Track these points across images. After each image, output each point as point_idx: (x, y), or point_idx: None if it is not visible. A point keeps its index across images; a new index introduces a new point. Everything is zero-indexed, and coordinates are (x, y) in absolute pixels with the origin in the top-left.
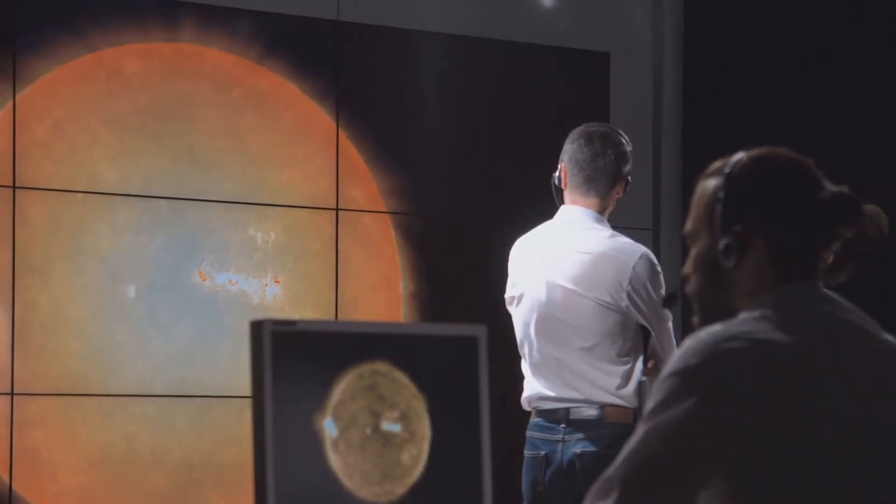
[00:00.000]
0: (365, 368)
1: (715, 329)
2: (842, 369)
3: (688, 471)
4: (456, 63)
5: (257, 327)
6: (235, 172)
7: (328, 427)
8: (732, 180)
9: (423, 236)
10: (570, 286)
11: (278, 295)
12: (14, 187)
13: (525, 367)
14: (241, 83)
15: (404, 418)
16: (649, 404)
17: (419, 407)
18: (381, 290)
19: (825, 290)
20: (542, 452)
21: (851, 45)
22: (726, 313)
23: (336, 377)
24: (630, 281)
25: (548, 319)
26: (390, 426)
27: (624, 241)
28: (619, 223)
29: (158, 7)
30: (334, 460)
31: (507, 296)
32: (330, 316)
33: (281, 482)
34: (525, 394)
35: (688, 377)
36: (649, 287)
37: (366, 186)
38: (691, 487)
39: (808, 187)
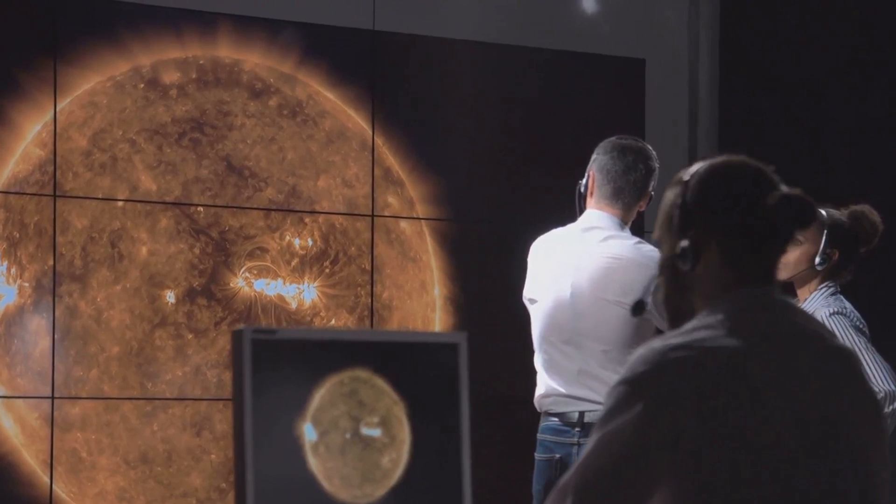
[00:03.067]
0: (345, 375)
1: (666, 338)
2: (790, 375)
3: (637, 477)
4: (491, 70)
5: (238, 336)
6: (273, 180)
7: (308, 432)
8: (689, 188)
9: (458, 242)
10: (595, 290)
11: (315, 300)
12: (55, 196)
13: (539, 364)
14: (278, 92)
15: (384, 423)
16: (601, 412)
17: (399, 412)
18: (415, 295)
19: (781, 295)
20: (557, 456)
21: (889, 49)
22: (690, 315)
23: (316, 383)
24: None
25: (569, 321)
26: (370, 431)
27: (650, 247)
28: (653, 229)
29: (196, 18)
30: (314, 464)
31: (525, 293)
32: (367, 320)
33: (261, 485)
34: (539, 391)
35: (636, 385)
36: None
37: (401, 193)
38: (641, 493)
39: (757, 192)
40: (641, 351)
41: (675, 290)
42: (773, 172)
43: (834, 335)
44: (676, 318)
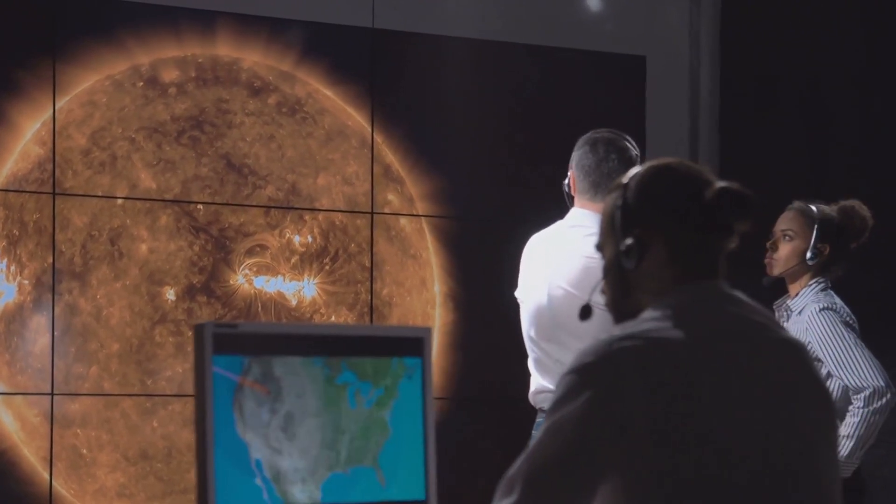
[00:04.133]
0: None
1: (614, 331)
2: (736, 365)
3: (584, 465)
4: (491, 68)
5: (199, 329)
6: (272, 177)
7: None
8: (629, 189)
9: (458, 239)
10: (572, 290)
11: (315, 297)
12: (54, 193)
13: (530, 362)
14: (278, 90)
15: (350, 416)
16: (550, 401)
17: (365, 405)
18: (415, 292)
19: (728, 289)
20: None
21: (891, 45)
22: (636, 315)
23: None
24: None
25: (550, 321)
26: (335, 422)
27: None
28: None
29: (195, 17)
30: (276, 456)
31: (516, 293)
32: (366, 317)
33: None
34: (532, 388)
35: (583, 374)
36: None
37: (401, 190)
38: (589, 482)
39: (696, 188)
40: (589, 342)
41: (620, 292)
42: (709, 172)
43: (783, 327)
44: (623, 319)
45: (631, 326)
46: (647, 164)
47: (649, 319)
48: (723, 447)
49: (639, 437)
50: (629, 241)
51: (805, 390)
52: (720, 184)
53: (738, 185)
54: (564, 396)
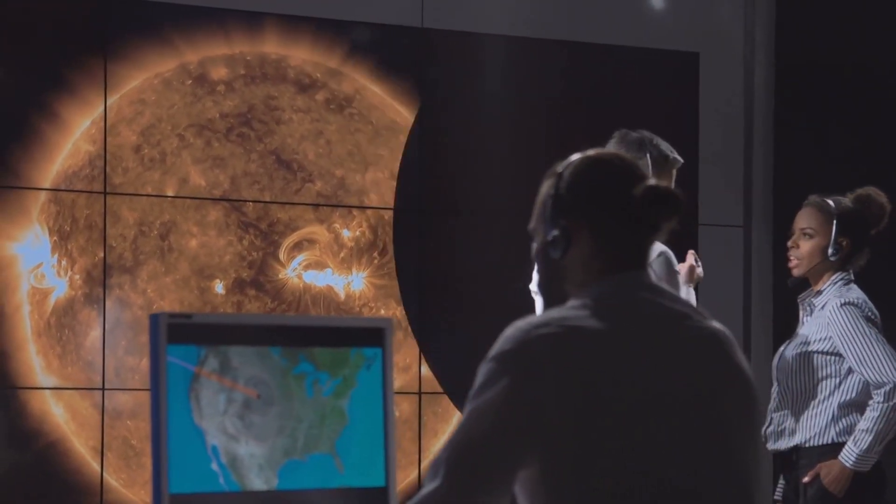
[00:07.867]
0: None
1: (532, 317)
2: (655, 354)
3: (503, 451)
4: (542, 66)
5: (154, 320)
6: (321, 173)
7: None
8: (561, 178)
9: (505, 235)
10: None
11: (364, 290)
12: (105, 193)
13: None
14: (326, 87)
15: (307, 404)
16: (472, 388)
17: (322, 395)
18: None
19: (652, 279)
20: None
21: None
22: (565, 302)
23: None
24: None
25: None
26: (293, 412)
27: None
28: (710, 221)
29: (242, 17)
30: (232, 441)
31: (531, 286)
32: (413, 311)
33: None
34: None
35: (502, 361)
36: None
37: (448, 186)
38: (508, 467)
39: (625, 183)
40: (509, 330)
41: (549, 280)
42: (644, 168)
43: (707, 317)
44: (552, 305)
45: (550, 314)
46: (583, 154)
47: (570, 308)
48: (639, 437)
49: (554, 425)
50: (555, 231)
51: (726, 380)
52: (649, 181)
53: (667, 186)
54: (485, 383)
